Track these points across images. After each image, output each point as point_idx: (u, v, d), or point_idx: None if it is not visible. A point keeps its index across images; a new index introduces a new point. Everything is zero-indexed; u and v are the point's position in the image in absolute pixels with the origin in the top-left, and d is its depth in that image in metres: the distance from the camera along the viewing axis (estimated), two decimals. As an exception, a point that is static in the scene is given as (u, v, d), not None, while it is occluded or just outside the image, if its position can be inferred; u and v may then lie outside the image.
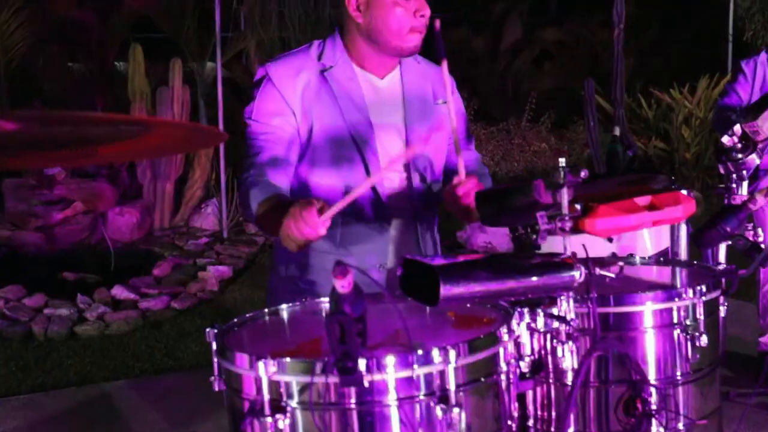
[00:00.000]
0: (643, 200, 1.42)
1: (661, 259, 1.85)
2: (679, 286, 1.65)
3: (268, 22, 7.92)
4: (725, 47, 12.56)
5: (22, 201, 7.57)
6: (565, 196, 1.35)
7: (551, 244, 1.90)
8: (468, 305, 1.46)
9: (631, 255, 1.87)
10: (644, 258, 1.85)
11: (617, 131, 2.43)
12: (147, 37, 13.71)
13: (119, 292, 6.11)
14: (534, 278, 1.26)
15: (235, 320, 1.54)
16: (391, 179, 2.14)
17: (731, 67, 11.71)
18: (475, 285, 1.21)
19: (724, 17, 12.45)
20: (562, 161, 1.37)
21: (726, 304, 1.63)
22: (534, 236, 1.43)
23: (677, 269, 1.78)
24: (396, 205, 2.14)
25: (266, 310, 1.64)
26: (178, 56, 9.95)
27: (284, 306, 1.65)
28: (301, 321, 1.61)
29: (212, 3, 8.09)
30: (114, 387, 4.71)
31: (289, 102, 2.09)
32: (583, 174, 1.34)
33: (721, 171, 1.79)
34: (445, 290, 1.18)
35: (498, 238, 7.91)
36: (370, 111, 2.11)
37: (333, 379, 1.19)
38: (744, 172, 1.72)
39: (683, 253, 1.91)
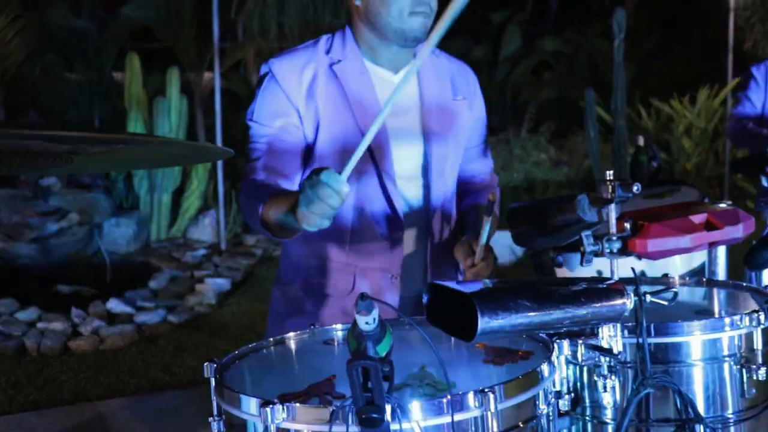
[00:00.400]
0: (699, 218, 1.28)
1: (704, 279, 1.70)
2: (728, 312, 1.51)
3: (267, 31, 7.79)
4: (725, 57, 12.48)
5: (16, 212, 7.44)
6: (613, 213, 1.20)
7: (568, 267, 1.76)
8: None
9: (666, 275, 1.73)
10: (683, 279, 1.70)
11: (641, 140, 2.30)
12: (145, 47, 13.65)
13: (115, 305, 5.98)
14: (582, 308, 1.12)
15: (237, 352, 1.38)
16: (408, 188, 1.98)
17: (732, 77, 11.65)
18: (518, 316, 1.07)
19: (724, 27, 12.37)
20: (609, 173, 1.22)
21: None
22: (557, 258, 1.29)
23: (721, 292, 1.63)
24: (411, 215, 1.99)
25: (271, 339, 1.48)
26: (175, 66, 9.86)
27: (291, 334, 1.49)
28: (311, 353, 1.45)
29: (210, 13, 7.98)
30: (108, 405, 4.57)
31: (294, 101, 1.94)
32: (635, 188, 1.20)
33: (764, 183, 1.65)
34: (484, 323, 1.04)
35: (500, 249, 7.77)
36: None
37: (354, 430, 1.03)
38: (793, 183, 1.58)
39: (722, 273, 1.77)
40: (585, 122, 10.50)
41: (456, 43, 16.25)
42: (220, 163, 7.96)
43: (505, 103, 15.47)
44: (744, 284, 1.62)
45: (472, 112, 2.11)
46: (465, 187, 2.12)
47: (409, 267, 1.97)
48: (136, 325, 5.75)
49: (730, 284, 1.65)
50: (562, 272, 2.10)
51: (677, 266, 1.92)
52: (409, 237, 1.96)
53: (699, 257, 1.88)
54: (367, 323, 0.98)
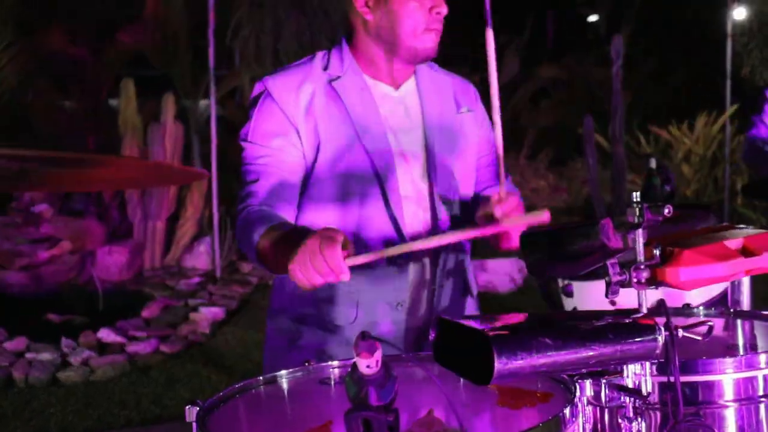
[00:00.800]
0: (734, 243, 1.16)
1: (731, 310, 1.58)
2: (763, 347, 1.39)
3: (263, 57, 7.73)
4: (723, 83, 12.48)
5: (7, 239, 7.33)
6: (640, 239, 1.09)
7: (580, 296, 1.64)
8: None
9: (687, 305, 1.60)
10: (709, 309, 1.58)
11: (653, 163, 2.19)
12: (141, 73, 13.62)
13: (106, 335, 5.84)
14: (610, 345, 1.00)
15: (222, 393, 1.24)
16: (415, 213, 1.87)
17: (730, 103, 11.63)
18: (539, 357, 0.94)
19: (722, 53, 12.38)
20: (635, 195, 1.11)
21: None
22: (568, 287, 1.17)
23: (750, 324, 1.51)
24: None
25: (261, 378, 1.35)
26: (171, 92, 9.80)
27: (283, 372, 1.36)
28: (306, 394, 1.32)
29: (206, 40, 7.94)
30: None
31: (292, 119, 1.83)
32: (666, 211, 1.08)
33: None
34: (501, 364, 0.91)
35: (500, 276, 7.66)
36: (387, 130, 1.87)
37: (354, 487, 0.89)
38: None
39: (746, 303, 1.65)
40: (584, 149, 10.49)
41: (453, 68, 16.28)
42: (215, 190, 7.88)
43: (503, 130, 15.46)
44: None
45: (477, 123, 2.02)
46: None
47: (415, 294, 1.84)
48: (127, 355, 5.61)
49: (758, 315, 1.53)
50: (570, 302, 1.98)
51: (694, 295, 1.80)
52: (416, 262, 1.84)
53: (719, 285, 1.76)
54: (368, 366, 0.85)
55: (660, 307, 1.11)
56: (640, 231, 1.09)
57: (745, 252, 1.16)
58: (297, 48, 7.70)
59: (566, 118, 14.78)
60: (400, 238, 1.80)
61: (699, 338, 1.10)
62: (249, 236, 1.67)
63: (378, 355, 0.85)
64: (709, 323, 1.12)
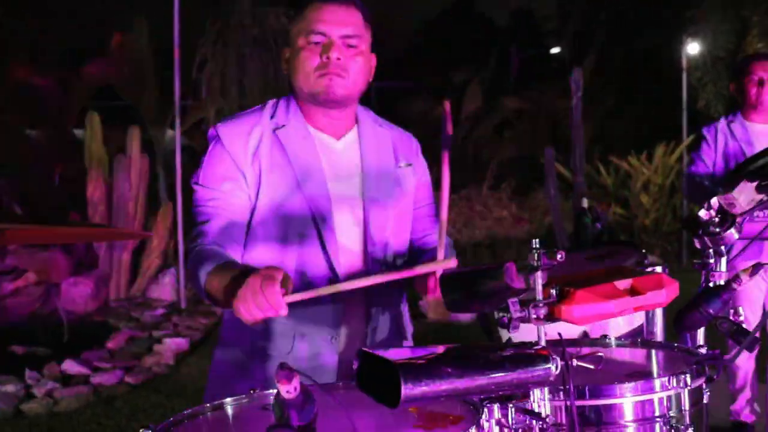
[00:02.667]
0: (623, 284, 1.32)
1: (639, 340, 1.74)
2: (659, 373, 1.54)
3: (228, 90, 7.87)
4: (680, 115, 12.81)
5: (-29, 271, 7.33)
6: (539, 280, 1.24)
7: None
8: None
9: (605, 336, 1.76)
10: (620, 340, 1.74)
11: (585, 203, 2.35)
12: (107, 104, 13.66)
13: (70, 366, 5.87)
14: (506, 374, 1.14)
15: (172, 419, 1.37)
16: (349, 256, 1.99)
17: (687, 134, 11.93)
18: (441, 383, 1.09)
19: (679, 87, 12.73)
20: (535, 242, 1.26)
21: (708, 390, 1.52)
22: (502, 315, 1.32)
23: (655, 352, 1.67)
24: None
25: (208, 405, 1.48)
26: (137, 123, 9.87)
27: (229, 399, 1.49)
28: (249, 419, 1.45)
29: (172, 71, 8.04)
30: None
31: (240, 165, 1.95)
32: (559, 257, 1.24)
33: (697, 245, 1.70)
34: (407, 389, 1.05)
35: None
36: (327, 178, 1.98)
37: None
38: (722, 247, 1.63)
39: (659, 333, 1.81)
40: (545, 180, 10.70)
41: (418, 101, 16.52)
42: (180, 221, 7.94)
43: (467, 160, 15.69)
44: (675, 345, 1.67)
45: (416, 176, 2.14)
46: (419, 247, 2.14)
47: (349, 330, 1.97)
48: (92, 386, 5.64)
49: (664, 345, 1.69)
50: (505, 333, 2.13)
51: (620, 325, 1.96)
52: (350, 300, 1.97)
53: (639, 317, 1.92)
54: (287, 392, 0.99)
55: (559, 340, 1.26)
56: (539, 273, 1.24)
57: (633, 292, 1.32)
58: (261, 81, 7.84)
59: (529, 149, 15.04)
60: (335, 277, 1.93)
61: (592, 367, 1.25)
62: (197, 274, 1.79)
63: (296, 382, 0.99)
64: (600, 354, 1.27)
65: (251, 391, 1.52)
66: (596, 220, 2.34)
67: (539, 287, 1.24)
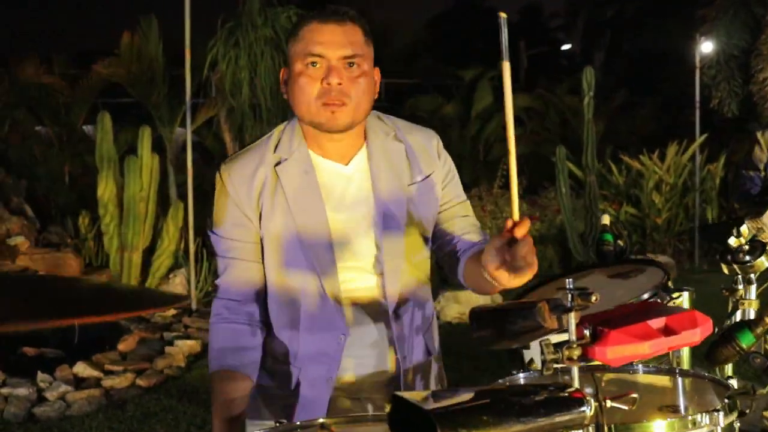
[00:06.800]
0: (657, 323, 1.29)
1: (667, 368, 1.70)
2: (692, 409, 1.51)
3: (239, 91, 7.84)
4: (693, 113, 12.74)
5: (-18, 272, 7.35)
6: (572, 321, 1.21)
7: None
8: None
9: (631, 363, 1.73)
10: (648, 366, 1.71)
11: (606, 219, 2.32)
12: (117, 101, 13.68)
13: (82, 369, 5.89)
14: (541, 419, 1.12)
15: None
16: (359, 283, 1.94)
17: (699, 133, 11.88)
18: (478, 431, 1.07)
19: (692, 84, 12.66)
20: (569, 282, 1.23)
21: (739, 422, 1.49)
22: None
23: (684, 381, 1.64)
24: (366, 314, 1.94)
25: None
26: (147, 120, 9.85)
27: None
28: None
29: (183, 69, 8.02)
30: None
31: (246, 212, 1.92)
32: (594, 299, 1.21)
33: (725, 271, 1.66)
34: (444, 440, 1.04)
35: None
36: (331, 208, 1.92)
37: None
38: (752, 275, 1.60)
39: (685, 359, 1.78)
40: (556, 178, 10.65)
41: (428, 100, 16.49)
42: (191, 222, 7.93)
43: (478, 159, 15.63)
44: (706, 374, 1.63)
45: (437, 180, 2.02)
46: (461, 249, 1.99)
47: (379, 353, 1.95)
48: (103, 389, 5.66)
49: (693, 374, 1.66)
50: (528, 353, 2.11)
51: (644, 347, 1.93)
52: (363, 339, 1.94)
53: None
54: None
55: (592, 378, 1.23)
56: (572, 314, 1.21)
57: (667, 331, 1.29)
58: (272, 82, 7.81)
59: (540, 147, 15.00)
60: (337, 307, 1.91)
61: (626, 408, 1.23)
62: (211, 355, 1.96)
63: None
64: (634, 395, 1.25)
65: (277, 424, 1.51)
66: (618, 237, 2.31)
67: (572, 328, 1.21)
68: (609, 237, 2.29)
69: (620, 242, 2.29)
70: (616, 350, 1.23)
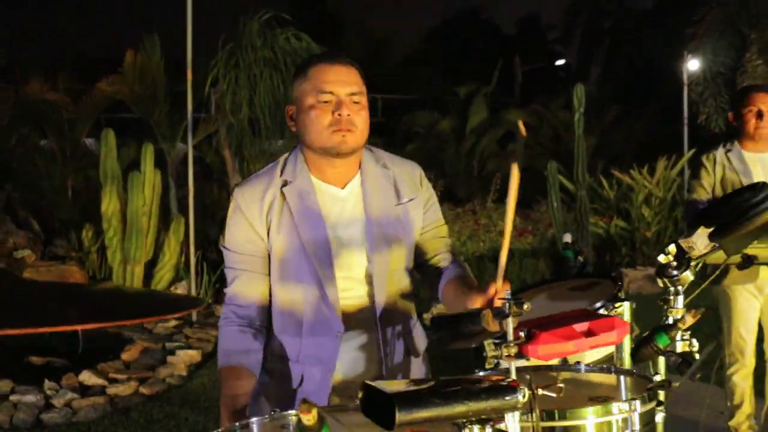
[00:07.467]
0: (581, 327, 1.58)
1: (605, 367, 1.99)
2: (618, 398, 1.79)
3: (239, 109, 8.13)
4: (682, 129, 13.04)
5: (-10, 284, 7.58)
6: (510, 325, 1.50)
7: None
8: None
9: (578, 362, 2.01)
10: (588, 365, 1.99)
11: (568, 237, 2.60)
12: (119, 116, 13.95)
13: (87, 377, 6.10)
14: (481, 403, 1.39)
15: (214, 433, 1.65)
16: (352, 291, 2.23)
17: (688, 148, 12.15)
18: (428, 411, 1.34)
19: (680, 101, 12.97)
20: (507, 292, 1.52)
21: (663, 411, 1.77)
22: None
23: (619, 378, 1.92)
24: (356, 320, 2.23)
25: (237, 423, 1.77)
26: (149, 136, 10.14)
27: (254, 420, 1.77)
28: (270, 432, 1.73)
29: (183, 87, 8.28)
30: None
31: (257, 228, 2.22)
32: (525, 306, 1.49)
33: (660, 285, 1.94)
34: (401, 416, 1.32)
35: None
36: (329, 225, 2.22)
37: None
38: (680, 287, 1.87)
39: (626, 360, 2.06)
40: (548, 193, 10.92)
41: (424, 116, 16.80)
42: (191, 235, 8.19)
43: (472, 174, 15.94)
44: (634, 372, 1.92)
45: (421, 204, 2.33)
46: (434, 267, 2.31)
47: (363, 355, 2.24)
48: (108, 397, 5.87)
49: (625, 371, 1.94)
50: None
51: (593, 353, 2.21)
52: (356, 341, 2.23)
53: (607, 347, 2.17)
54: (307, 420, 1.25)
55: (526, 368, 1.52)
56: (509, 319, 1.49)
57: (588, 333, 1.57)
58: (270, 101, 8.10)
59: (534, 162, 15.28)
60: (332, 315, 2.20)
61: (554, 395, 1.51)
62: (220, 352, 2.28)
63: (314, 413, 1.25)
64: (560, 385, 1.53)
65: (272, 412, 1.79)
66: (578, 254, 2.58)
67: (510, 330, 1.50)
68: (570, 253, 2.56)
69: (580, 258, 2.56)
70: (545, 348, 1.51)
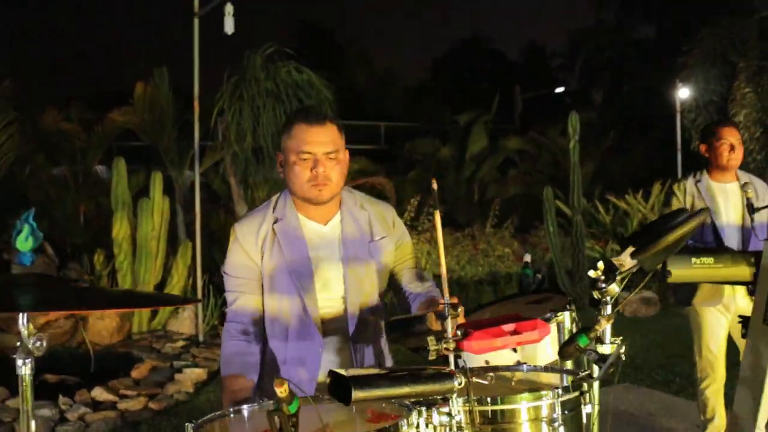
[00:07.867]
0: (508, 327, 1.94)
1: (543, 366, 2.35)
2: (549, 388, 2.13)
3: (243, 138, 8.54)
4: (675, 155, 13.35)
5: (5, 306, 7.88)
6: (449, 325, 1.86)
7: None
8: (384, 404, 1.94)
9: (519, 362, 2.36)
10: (529, 365, 2.34)
11: (528, 257, 2.96)
12: (129, 144, 14.38)
13: (99, 393, 6.41)
14: (423, 386, 1.74)
15: (207, 417, 2.01)
16: (330, 306, 2.62)
17: (681, 173, 12.46)
18: (378, 391, 1.70)
19: (674, 128, 13.29)
20: (445, 299, 1.88)
21: (590, 402, 2.12)
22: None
23: (553, 374, 2.29)
24: (333, 329, 2.61)
25: (231, 408, 2.14)
26: (158, 163, 10.51)
27: (245, 406, 2.14)
28: (258, 417, 2.09)
29: (191, 116, 8.65)
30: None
31: (252, 256, 2.64)
32: (458, 310, 1.86)
33: (594, 296, 2.29)
34: (356, 393, 1.68)
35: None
36: (312, 252, 2.61)
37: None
38: (608, 298, 2.21)
39: (569, 362, 2.40)
40: (544, 218, 11.22)
41: (425, 143, 17.19)
42: (198, 260, 8.54)
43: (472, 200, 16.29)
44: (565, 369, 2.27)
45: (392, 242, 2.74)
46: (409, 293, 2.70)
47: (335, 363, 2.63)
48: (119, 411, 6.18)
49: (559, 369, 2.31)
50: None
51: (549, 355, 2.56)
52: (333, 349, 2.62)
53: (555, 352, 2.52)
54: (280, 392, 1.61)
55: (464, 365, 1.88)
56: (449, 320, 1.85)
57: (514, 332, 1.94)
58: (273, 131, 8.49)
59: (532, 188, 15.62)
60: (317, 325, 2.58)
61: (485, 382, 1.87)
62: (221, 361, 2.62)
63: (286, 386, 1.60)
64: (490, 374, 1.90)
65: (260, 401, 2.15)
66: (537, 272, 2.94)
67: (449, 329, 1.86)
68: (529, 272, 2.92)
69: (538, 276, 2.93)
70: (477, 343, 1.88)
